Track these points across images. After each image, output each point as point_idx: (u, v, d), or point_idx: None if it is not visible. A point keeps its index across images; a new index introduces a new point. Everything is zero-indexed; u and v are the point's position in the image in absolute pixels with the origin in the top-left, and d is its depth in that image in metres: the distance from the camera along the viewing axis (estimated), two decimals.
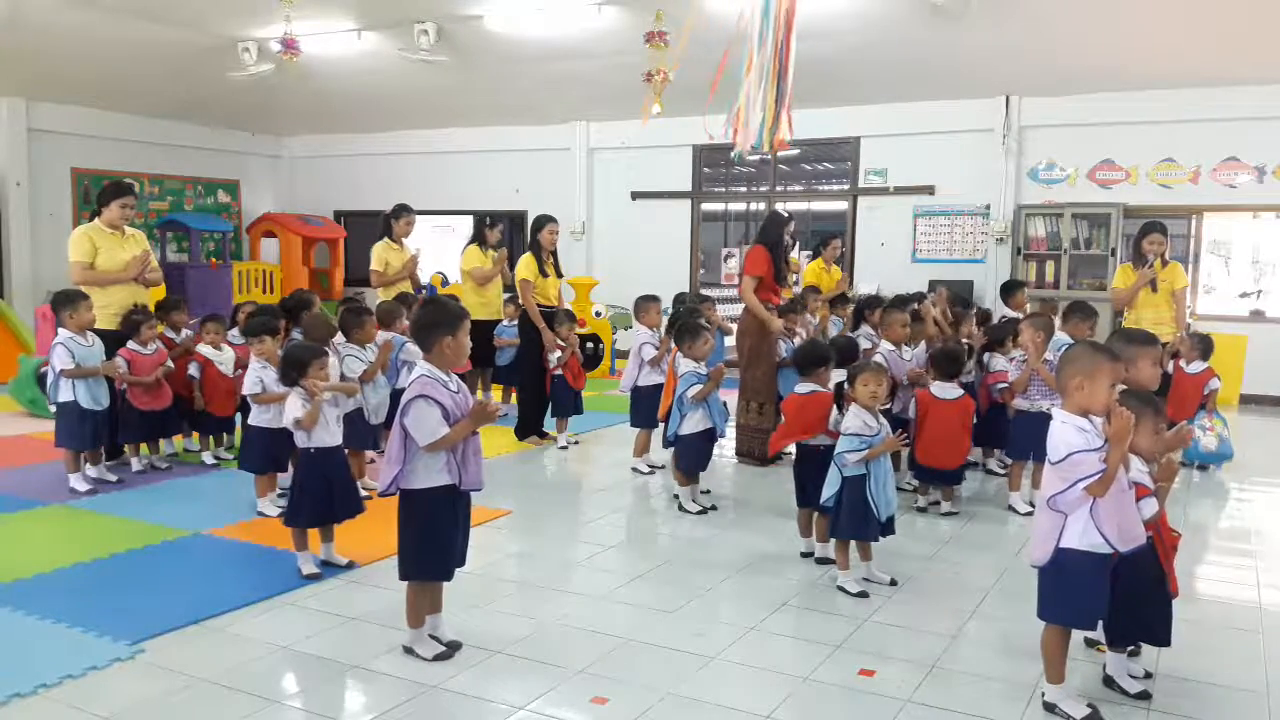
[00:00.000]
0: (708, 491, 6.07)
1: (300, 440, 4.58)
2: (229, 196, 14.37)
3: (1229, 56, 8.99)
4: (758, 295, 6.88)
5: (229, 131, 14.04)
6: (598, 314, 11.55)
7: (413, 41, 9.15)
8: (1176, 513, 5.52)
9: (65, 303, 5.99)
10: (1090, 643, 3.73)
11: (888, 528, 4.48)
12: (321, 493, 4.54)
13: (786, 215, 7.30)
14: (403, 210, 8.31)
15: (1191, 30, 8.43)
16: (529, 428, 7.73)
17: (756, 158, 6.10)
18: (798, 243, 11.88)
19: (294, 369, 4.68)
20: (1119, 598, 3.21)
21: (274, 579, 4.48)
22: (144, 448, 6.67)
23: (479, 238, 8.67)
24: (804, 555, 4.94)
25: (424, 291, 9.29)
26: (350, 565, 4.67)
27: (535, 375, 7.62)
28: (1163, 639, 3.40)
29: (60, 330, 5.98)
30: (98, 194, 6.69)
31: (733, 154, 6.18)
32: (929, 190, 11.26)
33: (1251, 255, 10.74)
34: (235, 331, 6.97)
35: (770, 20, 5.83)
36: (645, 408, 6.77)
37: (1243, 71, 9.35)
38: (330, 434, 4.61)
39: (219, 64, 9.88)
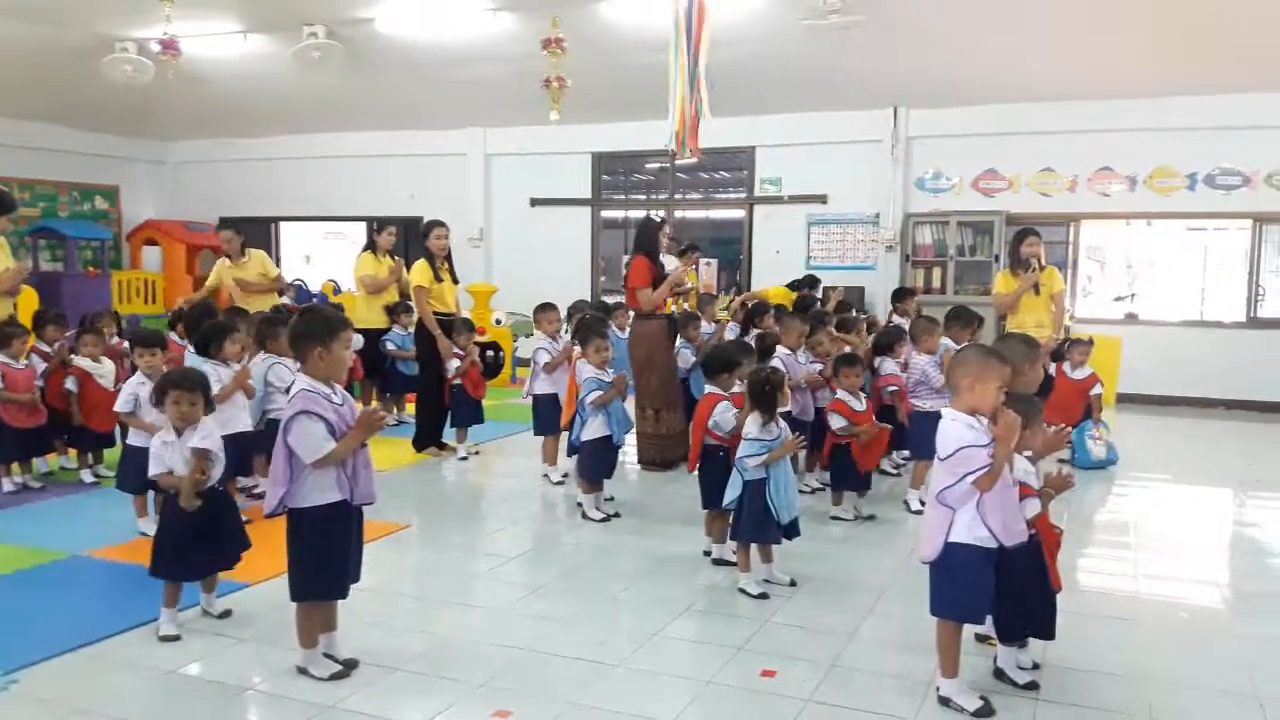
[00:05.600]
0: (611, 499, 6.06)
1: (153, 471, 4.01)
2: (107, 203, 13.77)
3: (1103, 72, 9.43)
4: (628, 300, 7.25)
5: (107, 135, 13.44)
6: (498, 322, 11.45)
7: (305, 50, 8.93)
8: (1059, 508, 5.75)
9: None
10: (981, 638, 3.84)
11: (792, 530, 4.54)
12: (187, 542, 3.91)
13: (660, 220, 7.45)
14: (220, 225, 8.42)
15: (1069, 47, 8.82)
16: (427, 438, 7.59)
17: (679, 160, 6.37)
18: (698, 251, 11.99)
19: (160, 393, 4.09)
20: (1005, 595, 3.32)
21: (158, 602, 4.25)
22: (16, 467, 6.33)
23: (372, 244, 8.56)
24: (706, 554, 5.00)
25: (314, 300, 9.08)
26: (226, 614, 4.14)
27: (433, 384, 7.50)
28: (1047, 633, 3.53)
29: None
30: None
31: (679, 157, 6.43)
32: (822, 199, 11.50)
33: (1125, 260, 11.27)
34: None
35: (682, 29, 6.03)
36: (546, 415, 6.75)
37: (1116, 86, 9.81)
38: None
39: (96, 65, 9.47)
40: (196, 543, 3.93)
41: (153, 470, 4.02)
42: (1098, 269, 11.41)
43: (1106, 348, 9.45)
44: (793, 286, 9.74)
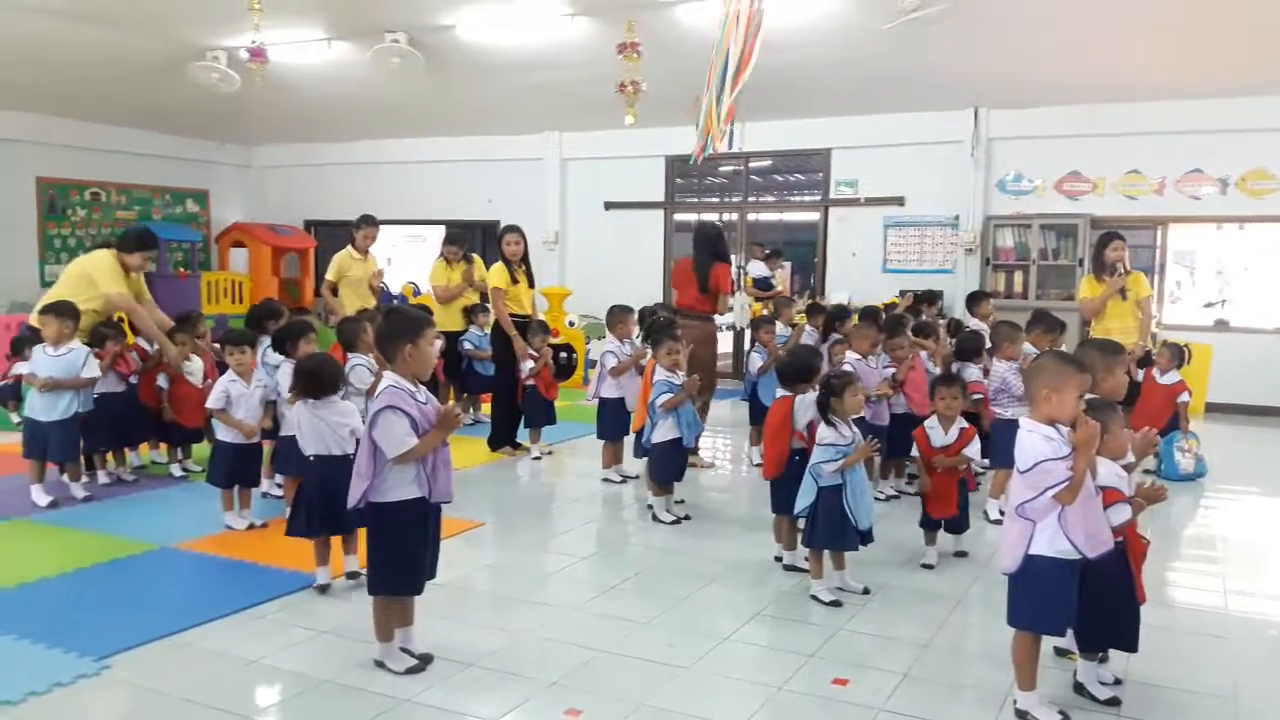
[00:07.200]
0: (681, 501, 6.06)
1: (306, 447, 4.42)
2: (198, 206, 14.24)
3: (1193, 70, 9.13)
4: (696, 303, 7.45)
5: (197, 140, 13.90)
6: (571, 324, 11.54)
7: (384, 51, 9.13)
8: (1145, 520, 5.59)
9: (44, 313, 6.00)
10: (1060, 652, 3.76)
11: (867, 537, 4.49)
12: (321, 502, 4.35)
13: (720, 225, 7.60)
14: (364, 221, 8.61)
15: (1156, 44, 8.57)
16: (502, 438, 7.70)
17: (713, 160, 6.45)
18: (777, 254, 11.91)
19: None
20: (1088, 604, 3.23)
21: (242, 593, 4.42)
22: (110, 459, 6.59)
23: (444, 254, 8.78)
24: (777, 559, 4.97)
25: (395, 302, 9.28)
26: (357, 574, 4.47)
27: (508, 385, 7.60)
28: (1130, 645, 3.43)
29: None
30: (124, 234, 6.81)
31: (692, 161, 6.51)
32: (899, 201, 11.34)
33: (1215, 266, 10.90)
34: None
35: (739, 28, 6.02)
36: (610, 419, 6.81)
37: (1207, 85, 9.49)
38: (340, 444, 4.41)
39: (186, 72, 9.80)
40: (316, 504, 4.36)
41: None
42: (1186, 274, 11.05)
43: (1196, 356, 9.17)
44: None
